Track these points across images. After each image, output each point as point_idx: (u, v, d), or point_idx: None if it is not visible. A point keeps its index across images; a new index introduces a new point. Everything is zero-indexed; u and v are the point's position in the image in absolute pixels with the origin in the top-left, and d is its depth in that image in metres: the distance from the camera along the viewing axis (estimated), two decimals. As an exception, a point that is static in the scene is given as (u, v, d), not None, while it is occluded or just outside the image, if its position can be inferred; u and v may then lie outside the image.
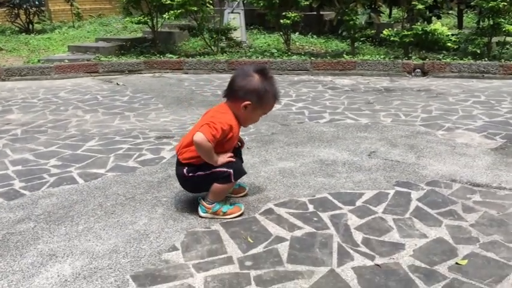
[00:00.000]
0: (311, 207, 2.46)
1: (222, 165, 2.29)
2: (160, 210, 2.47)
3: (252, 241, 2.14)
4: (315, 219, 2.33)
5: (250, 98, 2.27)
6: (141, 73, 7.06)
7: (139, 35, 9.32)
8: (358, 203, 2.51)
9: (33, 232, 2.26)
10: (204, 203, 2.36)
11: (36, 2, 10.72)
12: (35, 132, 4.02)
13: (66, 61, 7.11)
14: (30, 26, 10.49)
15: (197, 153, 2.25)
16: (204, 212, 2.36)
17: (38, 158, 3.34)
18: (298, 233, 2.20)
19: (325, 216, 2.36)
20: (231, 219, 2.34)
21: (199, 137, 2.18)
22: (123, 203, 2.56)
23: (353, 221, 2.31)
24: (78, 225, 2.33)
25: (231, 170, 2.30)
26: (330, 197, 2.58)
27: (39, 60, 7.31)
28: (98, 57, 7.48)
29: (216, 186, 2.33)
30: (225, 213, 2.36)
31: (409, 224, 2.28)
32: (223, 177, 2.30)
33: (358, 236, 2.17)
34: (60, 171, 3.06)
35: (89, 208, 2.51)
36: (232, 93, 2.32)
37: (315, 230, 2.22)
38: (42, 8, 11.27)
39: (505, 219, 2.30)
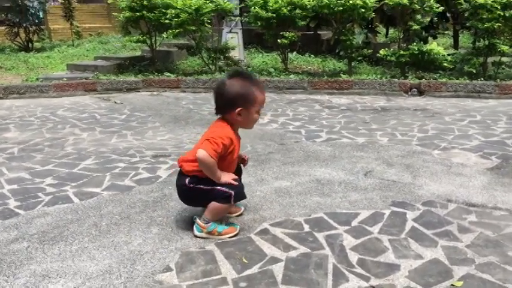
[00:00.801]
0: (307, 227, 2.45)
1: (224, 185, 2.29)
2: (155, 230, 2.45)
3: (246, 262, 2.12)
4: (311, 239, 2.33)
5: (239, 103, 2.29)
6: (139, 91, 7.09)
7: (138, 53, 9.38)
8: (354, 223, 2.51)
9: (27, 252, 2.25)
10: (200, 222, 2.35)
11: (36, 21, 10.84)
12: (32, 150, 4.01)
13: (65, 79, 7.14)
14: (30, 44, 10.57)
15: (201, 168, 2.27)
16: (199, 232, 2.35)
17: (34, 176, 3.33)
18: (293, 254, 2.19)
19: (320, 236, 2.36)
20: (226, 239, 2.33)
21: (201, 153, 2.20)
22: (118, 223, 2.55)
23: (348, 241, 2.31)
24: (72, 245, 2.31)
25: (233, 192, 2.30)
26: (326, 217, 2.58)
27: (37, 79, 7.34)
28: (97, 75, 7.52)
29: (214, 204, 2.32)
30: (220, 233, 2.35)
31: (405, 244, 2.27)
32: (224, 197, 2.30)
33: (354, 257, 2.16)
34: (56, 190, 3.05)
35: (84, 228, 2.50)
36: (221, 108, 2.35)
37: (310, 251, 2.21)
38: (42, 27, 11.38)
39: (500, 240, 2.29)
